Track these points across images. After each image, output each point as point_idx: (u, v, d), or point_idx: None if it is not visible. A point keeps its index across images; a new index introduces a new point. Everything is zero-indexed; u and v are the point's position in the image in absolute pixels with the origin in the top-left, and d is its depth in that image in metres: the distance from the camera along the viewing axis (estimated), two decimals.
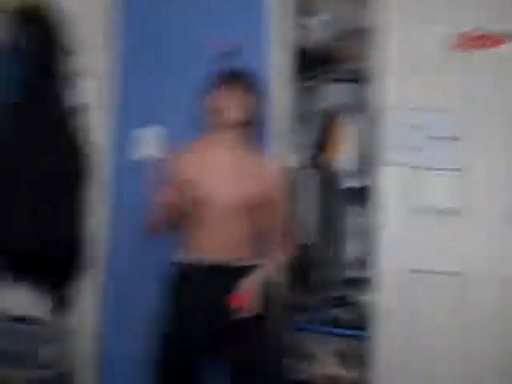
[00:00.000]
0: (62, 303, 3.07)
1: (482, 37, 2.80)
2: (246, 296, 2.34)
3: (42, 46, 3.02)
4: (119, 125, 3.20)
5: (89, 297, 3.13)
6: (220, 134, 2.55)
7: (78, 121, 3.08)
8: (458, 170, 2.80)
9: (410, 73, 2.88)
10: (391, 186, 2.88)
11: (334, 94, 3.67)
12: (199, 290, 2.45)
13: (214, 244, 2.47)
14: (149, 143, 2.97)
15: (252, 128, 2.61)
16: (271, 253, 2.55)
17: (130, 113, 3.16)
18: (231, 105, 2.51)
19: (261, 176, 2.54)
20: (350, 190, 3.38)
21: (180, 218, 2.52)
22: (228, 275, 2.42)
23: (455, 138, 2.80)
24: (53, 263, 2.98)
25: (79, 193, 3.08)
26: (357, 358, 3.14)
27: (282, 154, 3.02)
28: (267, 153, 2.67)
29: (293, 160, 3.37)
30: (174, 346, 2.43)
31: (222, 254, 2.46)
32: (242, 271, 2.42)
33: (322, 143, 3.45)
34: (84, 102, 3.11)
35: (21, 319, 2.94)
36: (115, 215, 3.16)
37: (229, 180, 2.50)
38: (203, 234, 2.49)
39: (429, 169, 2.82)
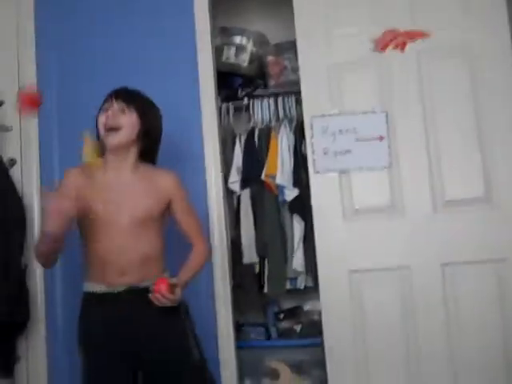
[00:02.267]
0: (8, 363, 3.08)
1: (396, 36, 2.99)
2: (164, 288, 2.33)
3: None
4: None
5: (35, 352, 3.18)
6: (113, 154, 2.52)
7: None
8: (386, 168, 2.96)
9: (333, 79, 3.05)
10: (325, 192, 3.01)
11: (265, 109, 3.79)
12: (106, 319, 2.41)
13: (117, 267, 2.41)
14: None
15: (146, 146, 2.57)
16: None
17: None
18: (121, 122, 2.48)
19: (156, 187, 2.54)
20: (290, 201, 3.52)
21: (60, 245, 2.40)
22: (134, 298, 2.40)
23: (381, 138, 2.97)
24: None
25: (20, 245, 3.11)
26: (314, 365, 3.26)
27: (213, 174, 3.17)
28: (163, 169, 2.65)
29: None
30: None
31: (127, 277, 2.42)
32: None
33: (258, 160, 3.59)
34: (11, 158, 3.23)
35: None
36: None
37: (123, 194, 2.48)
38: (104, 258, 2.43)
39: (358, 170, 2.98)
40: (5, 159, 3.19)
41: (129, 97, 2.53)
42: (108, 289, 2.41)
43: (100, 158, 2.53)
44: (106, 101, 2.53)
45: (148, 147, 2.57)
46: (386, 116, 2.97)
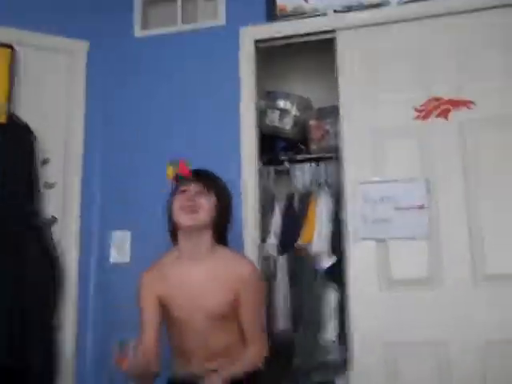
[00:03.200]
0: None
1: (440, 103, 3.00)
2: None
3: (16, 155, 3.19)
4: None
5: None
6: (187, 239, 2.55)
7: (49, 233, 3.21)
8: (426, 238, 2.92)
9: (375, 145, 3.06)
10: (363, 260, 2.99)
11: (305, 174, 3.83)
12: None
13: (200, 357, 2.51)
14: (120, 247, 3.24)
15: (219, 229, 2.60)
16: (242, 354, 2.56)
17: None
18: (196, 205, 2.51)
19: (231, 278, 2.52)
20: (326, 270, 3.47)
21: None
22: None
23: (421, 207, 2.93)
24: (27, 378, 2.97)
25: (52, 306, 3.16)
26: None
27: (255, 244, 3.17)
28: (236, 252, 2.66)
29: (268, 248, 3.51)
30: None
31: (211, 363, 2.50)
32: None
33: (296, 226, 3.57)
34: (53, 215, 3.28)
35: None
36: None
37: (202, 292, 2.50)
38: (185, 352, 2.55)
39: (398, 239, 2.95)
40: (47, 217, 3.26)
41: (208, 179, 2.58)
42: (193, 371, 2.50)
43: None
44: (182, 182, 2.55)
45: (224, 230, 2.62)
46: (427, 184, 2.96)
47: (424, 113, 3.01)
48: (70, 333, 3.23)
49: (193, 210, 2.48)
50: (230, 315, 2.51)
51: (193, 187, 2.52)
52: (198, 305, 2.47)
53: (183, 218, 2.49)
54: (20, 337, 2.97)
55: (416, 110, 3.03)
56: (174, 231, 2.58)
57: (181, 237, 2.55)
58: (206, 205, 2.50)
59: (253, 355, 2.56)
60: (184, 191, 2.53)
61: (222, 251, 2.57)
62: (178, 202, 2.51)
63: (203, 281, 2.51)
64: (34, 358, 2.99)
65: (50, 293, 3.15)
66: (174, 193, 2.56)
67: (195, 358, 2.52)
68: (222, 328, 2.51)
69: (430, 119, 3.01)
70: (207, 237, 2.54)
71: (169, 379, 2.60)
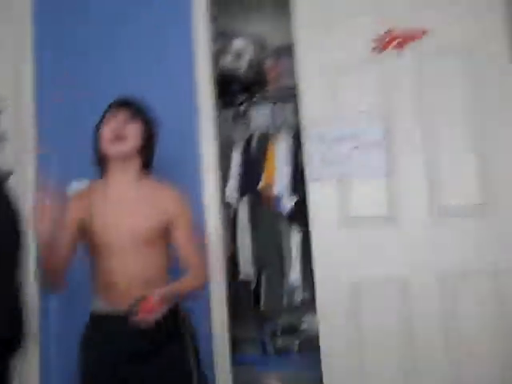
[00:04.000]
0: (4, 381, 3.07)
1: (396, 35, 2.96)
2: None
3: None
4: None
5: (29, 370, 3.18)
6: (115, 167, 2.52)
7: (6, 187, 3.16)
8: (384, 176, 2.93)
9: (331, 84, 3.03)
10: (323, 200, 2.99)
11: (263, 115, 3.79)
12: (107, 342, 2.41)
13: (119, 288, 2.41)
14: None
15: (146, 158, 2.59)
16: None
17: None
18: (127, 132, 2.50)
19: (158, 206, 2.51)
20: (289, 213, 3.46)
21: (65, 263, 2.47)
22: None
23: (379, 144, 2.93)
24: None
25: (14, 260, 3.11)
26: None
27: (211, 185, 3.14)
28: (163, 181, 2.62)
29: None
30: None
31: (128, 298, 2.31)
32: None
33: (256, 169, 3.55)
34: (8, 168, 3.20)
35: None
36: None
37: (124, 213, 2.47)
38: (107, 279, 2.45)
39: (356, 178, 2.95)
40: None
41: (134, 107, 2.56)
42: (113, 309, 2.40)
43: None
44: (108, 111, 2.55)
45: (150, 157, 2.60)
46: (384, 121, 2.95)
47: (380, 46, 2.98)
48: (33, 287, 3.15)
49: (120, 137, 2.47)
50: (157, 242, 2.48)
51: (120, 115, 2.51)
52: (125, 226, 2.44)
53: (111, 148, 2.48)
54: None
55: (372, 43, 2.99)
56: (101, 162, 2.56)
57: (109, 166, 2.53)
58: (133, 132, 2.50)
59: (191, 278, 2.49)
60: (111, 119, 2.51)
61: (149, 181, 2.57)
62: (105, 131, 2.50)
63: (131, 203, 2.49)
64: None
65: (11, 251, 3.11)
66: (100, 122, 2.54)
67: (120, 289, 2.41)
68: (148, 254, 2.45)
69: (386, 52, 2.98)
70: (134, 165, 2.53)
71: (91, 317, 2.51)
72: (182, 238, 2.52)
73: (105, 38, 3.35)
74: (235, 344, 3.29)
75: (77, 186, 3.14)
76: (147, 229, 2.45)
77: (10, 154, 3.20)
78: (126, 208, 2.48)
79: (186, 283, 2.47)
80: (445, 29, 2.93)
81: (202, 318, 3.01)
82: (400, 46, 2.96)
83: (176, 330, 2.44)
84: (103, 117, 2.54)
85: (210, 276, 2.72)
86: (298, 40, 3.13)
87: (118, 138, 2.46)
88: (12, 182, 3.11)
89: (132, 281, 2.41)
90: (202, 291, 2.62)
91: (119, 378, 2.37)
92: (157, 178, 2.61)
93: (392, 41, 2.96)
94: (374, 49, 2.98)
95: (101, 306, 2.47)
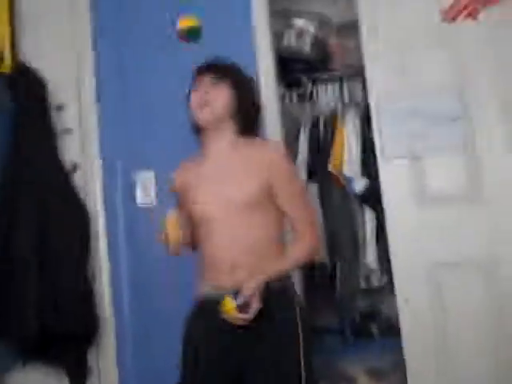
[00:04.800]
0: (80, 376, 3.15)
1: (468, 2, 2.84)
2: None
3: (31, 104, 3.19)
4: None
5: (105, 363, 3.21)
6: (209, 136, 2.44)
7: (72, 180, 3.21)
8: (461, 151, 2.84)
9: (399, 60, 2.95)
10: (397, 180, 2.92)
11: (329, 95, 3.70)
12: (213, 328, 2.30)
13: (227, 263, 2.29)
14: (145, 189, 3.20)
15: (244, 120, 2.46)
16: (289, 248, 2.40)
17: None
18: (211, 97, 2.40)
19: (257, 164, 2.36)
20: (360, 193, 3.39)
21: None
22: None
23: (454, 119, 2.83)
24: (65, 337, 3.04)
25: (84, 254, 3.18)
26: (393, 369, 3.15)
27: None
28: (264, 139, 2.57)
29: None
30: None
31: (238, 273, 2.27)
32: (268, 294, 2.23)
33: (324, 151, 3.48)
34: (74, 161, 3.26)
35: None
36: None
37: (221, 180, 2.37)
38: (212, 256, 2.34)
39: (431, 155, 2.87)
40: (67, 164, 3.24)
41: (220, 69, 2.45)
42: (216, 292, 2.28)
43: (181, 232, 2.34)
44: (195, 76, 2.47)
45: (247, 121, 2.46)
46: (459, 95, 2.85)
47: (450, 15, 2.86)
48: (105, 280, 3.24)
49: (202, 105, 2.39)
50: (261, 206, 2.33)
51: (204, 81, 2.42)
52: (223, 195, 2.33)
53: (198, 115, 2.41)
54: (52, 298, 3.00)
55: (441, 12, 2.88)
56: (197, 131, 2.49)
57: (204, 134, 2.46)
58: (218, 97, 2.39)
59: (300, 250, 2.38)
60: (197, 86, 2.44)
61: (245, 141, 2.44)
62: (191, 98, 2.44)
63: (228, 169, 2.39)
64: (69, 317, 3.04)
65: (80, 245, 3.17)
66: (190, 89, 2.48)
67: (226, 266, 2.29)
68: (252, 222, 2.31)
69: (457, 22, 2.86)
70: (230, 130, 2.43)
71: (195, 304, 2.41)
72: (285, 195, 2.36)
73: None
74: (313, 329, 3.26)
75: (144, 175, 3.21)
76: (248, 193, 2.31)
77: (75, 148, 3.28)
78: (223, 175, 2.38)
79: (293, 258, 2.37)
80: None
81: None
82: (473, 14, 2.83)
83: (287, 306, 2.30)
84: (192, 82, 2.48)
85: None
86: (361, 16, 3.04)
87: (202, 104, 2.39)
88: (78, 176, 3.24)
89: (240, 252, 2.29)
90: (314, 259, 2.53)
91: (229, 362, 2.27)
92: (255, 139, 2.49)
93: (463, 9, 2.83)
94: (443, 20, 2.87)
95: (206, 290, 2.36)
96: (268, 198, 2.34)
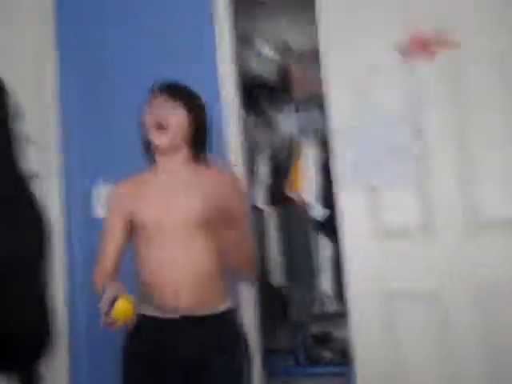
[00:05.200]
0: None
1: (425, 43, 2.93)
2: None
3: None
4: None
5: (58, 373, 3.19)
6: (163, 158, 2.43)
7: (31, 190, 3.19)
8: (417, 185, 2.91)
9: (360, 90, 3.00)
10: (354, 209, 2.97)
11: (290, 122, 3.78)
12: (156, 351, 2.29)
13: (170, 285, 2.27)
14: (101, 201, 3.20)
15: (194, 145, 2.46)
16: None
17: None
18: (169, 120, 2.37)
19: (213, 188, 2.35)
20: (318, 222, 3.48)
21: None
22: (189, 329, 2.28)
23: (410, 152, 2.91)
24: (19, 345, 3.01)
25: (40, 261, 3.15)
26: None
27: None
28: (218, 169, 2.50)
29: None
30: None
31: (182, 300, 2.27)
32: (208, 321, 2.29)
33: (284, 176, 3.55)
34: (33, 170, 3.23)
35: None
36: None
37: (174, 197, 2.36)
38: (155, 274, 2.31)
39: (388, 187, 2.93)
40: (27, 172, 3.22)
41: (178, 92, 2.44)
42: (160, 313, 2.29)
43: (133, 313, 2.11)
44: (150, 96, 2.44)
45: (201, 145, 2.47)
46: (416, 129, 2.92)
47: (408, 53, 2.95)
48: (59, 287, 3.23)
49: (161, 126, 2.35)
50: (210, 228, 2.29)
51: (162, 101, 2.40)
52: (175, 209, 2.32)
53: (153, 136, 2.36)
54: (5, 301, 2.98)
55: (399, 50, 2.96)
56: (148, 149, 2.46)
57: (157, 156, 2.43)
58: (175, 121, 2.38)
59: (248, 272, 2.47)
60: (152, 105, 2.41)
61: (200, 166, 2.45)
62: (147, 118, 2.40)
63: (181, 187, 2.38)
64: (24, 321, 3.00)
65: (36, 251, 3.14)
66: (145, 108, 2.44)
67: (163, 287, 2.28)
68: (198, 246, 2.30)
69: (415, 59, 2.95)
70: (183, 154, 2.42)
71: (138, 321, 2.25)
72: (237, 224, 2.32)
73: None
74: (266, 353, 3.32)
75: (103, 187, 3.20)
76: (201, 211, 2.30)
77: (34, 157, 3.20)
78: (177, 192, 2.37)
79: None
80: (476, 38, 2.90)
81: None
82: (430, 54, 2.93)
83: (233, 336, 2.34)
84: (146, 101, 2.44)
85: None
86: (322, 44, 3.10)
87: (160, 127, 2.35)
88: (37, 185, 3.20)
89: (184, 274, 2.28)
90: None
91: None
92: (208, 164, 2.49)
93: (421, 46, 2.93)
94: (402, 53, 2.95)
95: (145, 310, 2.32)
96: (217, 223, 2.28)
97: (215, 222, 2.28)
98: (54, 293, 3.12)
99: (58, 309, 3.13)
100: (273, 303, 3.51)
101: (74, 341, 3.24)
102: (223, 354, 2.26)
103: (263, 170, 3.62)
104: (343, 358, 3.20)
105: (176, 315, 2.27)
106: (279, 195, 3.53)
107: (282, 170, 3.57)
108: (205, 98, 3.14)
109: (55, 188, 3.32)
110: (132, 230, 2.40)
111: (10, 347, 2.97)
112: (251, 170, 3.55)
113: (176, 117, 2.38)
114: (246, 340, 2.39)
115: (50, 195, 3.28)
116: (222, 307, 2.33)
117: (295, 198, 3.46)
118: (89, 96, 3.38)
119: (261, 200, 3.58)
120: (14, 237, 3.06)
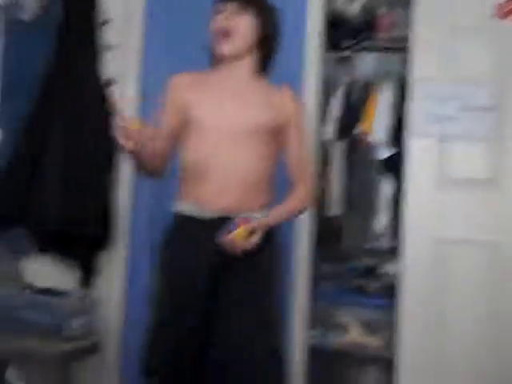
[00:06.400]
0: (89, 275, 3.35)
1: None
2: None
3: (78, 17, 3.31)
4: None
5: (114, 268, 3.42)
6: (227, 63, 2.36)
7: (109, 94, 3.31)
8: (490, 140, 3.04)
9: (445, 43, 3.11)
10: (422, 156, 3.11)
11: (368, 63, 3.88)
12: (195, 248, 2.27)
13: (218, 187, 2.24)
14: None
15: (260, 55, 2.38)
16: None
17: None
18: (235, 26, 2.29)
19: (273, 102, 2.33)
20: (382, 160, 3.61)
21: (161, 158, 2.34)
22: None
23: (488, 109, 3.02)
24: (82, 236, 3.23)
25: (110, 167, 3.35)
26: (383, 326, 3.43)
27: None
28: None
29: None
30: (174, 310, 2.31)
31: (224, 199, 2.24)
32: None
33: (356, 114, 3.64)
34: (112, 76, 3.38)
35: (47, 291, 3.14)
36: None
37: (234, 103, 2.31)
38: (201, 171, 2.27)
39: (460, 138, 3.07)
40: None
41: None
42: (200, 212, 2.26)
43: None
44: (217, 2, 2.35)
45: (266, 57, 2.39)
46: (495, 86, 3.03)
47: (501, 13, 3.04)
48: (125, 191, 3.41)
49: (225, 33, 2.28)
50: (264, 139, 2.29)
51: (228, 7, 2.31)
52: (234, 113, 2.28)
53: (217, 44, 2.31)
54: (75, 195, 3.16)
55: (494, 9, 3.04)
56: (215, 59, 2.40)
57: (222, 62, 2.37)
58: (242, 27, 2.30)
59: (300, 197, 2.40)
60: (219, 12, 2.32)
61: (263, 81, 2.40)
62: (213, 26, 2.32)
63: (244, 94, 2.34)
64: (89, 222, 3.21)
65: (107, 151, 3.29)
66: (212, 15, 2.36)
67: (213, 187, 2.24)
68: (253, 154, 2.27)
69: (507, 19, 3.03)
70: (248, 64, 2.36)
71: (174, 219, 2.34)
72: (294, 148, 2.37)
73: None
74: (314, 277, 3.50)
75: None
76: (261, 119, 2.28)
77: (114, 63, 3.39)
78: (236, 97, 2.32)
79: (290, 205, 2.38)
80: None
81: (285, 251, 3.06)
82: None
83: (267, 243, 2.27)
84: (213, 8, 2.36)
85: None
86: None
87: (225, 34, 2.28)
88: (114, 92, 3.31)
89: (230, 175, 2.25)
90: (305, 210, 2.51)
91: (200, 285, 2.25)
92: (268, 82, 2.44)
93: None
94: (494, 15, 3.04)
95: (187, 207, 2.30)
96: (273, 134, 2.31)
97: (271, 132, 2.31)
98: (120, 195, 3.39)
99: (121, 208, 3.38)
100: (327, 231, 3.65)
101: (134, 242, 3.42)
102: (252, 257, 2.23)
103: (336, 105, 3.70)
104: (389, 292, 3.37)
105: (215, 215, 2.25)
106: (348, 131, 3.63)
107: (354, 107, 3.66)
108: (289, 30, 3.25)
109: (133, 92, 3.42)
110: (184, 126, 2.35)
111: (77, 237, 3.22)
112: (324, 104, 3.64)
113: (242, 22, 2.30)
114: (278, 245, 2.39)
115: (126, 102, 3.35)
116: (260, 215, 2.27)
117: (363, 136, 3.57)
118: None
119: (329, 134, 3.68)
120: (87, 138, 3.24)
